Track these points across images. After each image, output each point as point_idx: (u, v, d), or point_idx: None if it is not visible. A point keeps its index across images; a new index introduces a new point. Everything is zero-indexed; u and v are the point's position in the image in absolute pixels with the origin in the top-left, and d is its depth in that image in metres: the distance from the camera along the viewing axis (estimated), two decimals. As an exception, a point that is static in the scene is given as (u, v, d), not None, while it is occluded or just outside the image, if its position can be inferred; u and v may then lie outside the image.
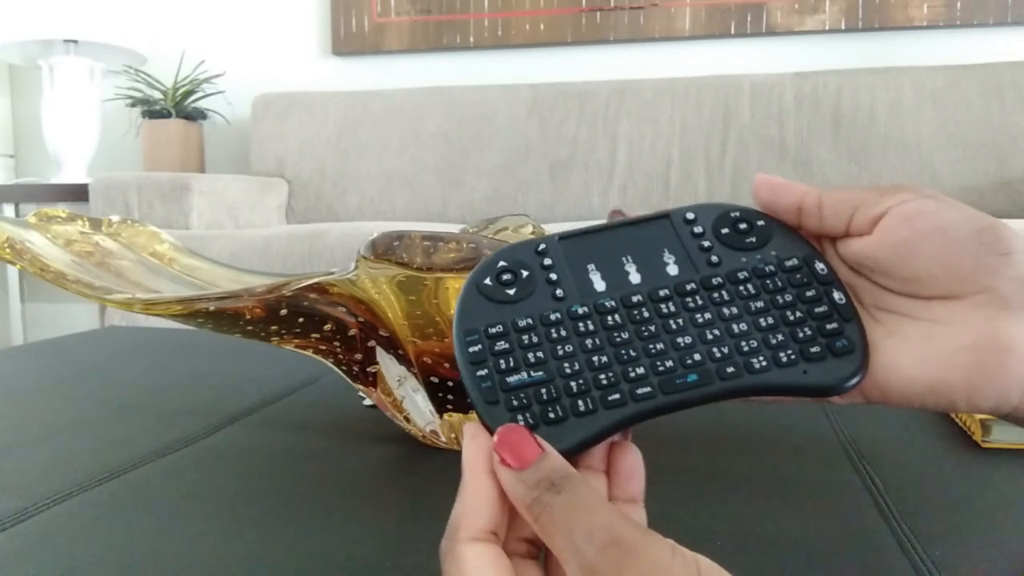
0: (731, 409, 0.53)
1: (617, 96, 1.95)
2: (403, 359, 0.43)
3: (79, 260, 0.48)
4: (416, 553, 0.33)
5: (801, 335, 0.25)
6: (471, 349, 0.25)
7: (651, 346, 0.25)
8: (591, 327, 0.25)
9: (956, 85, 1.79)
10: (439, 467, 0.44)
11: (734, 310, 0.26)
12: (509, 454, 0.22)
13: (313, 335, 0.45)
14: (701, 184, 1.88)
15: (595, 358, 0.24)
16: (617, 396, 0.24)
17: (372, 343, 0.45)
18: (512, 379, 0.24)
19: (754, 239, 0.27)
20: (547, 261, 0.27)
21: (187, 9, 2.30)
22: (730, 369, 0.24)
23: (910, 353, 0.24)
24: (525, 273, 0.27)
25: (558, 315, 0.25)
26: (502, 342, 0.25)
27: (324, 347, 0.46)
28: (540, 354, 0.25)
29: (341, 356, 0.47)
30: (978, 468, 0.43)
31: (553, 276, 0.27)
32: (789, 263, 0.27)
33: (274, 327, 0.44)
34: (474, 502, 0.22)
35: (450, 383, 0.43)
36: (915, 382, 0.24)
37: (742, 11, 1.98)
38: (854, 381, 0.24)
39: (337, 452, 0.46)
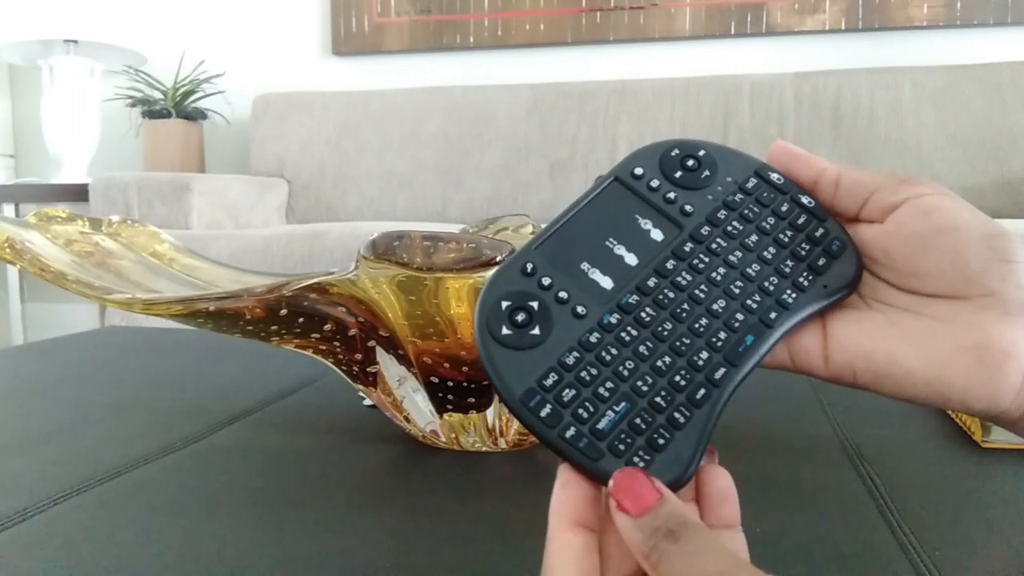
0: (730, 409, 0.53)
1: (617, 96, 1.95)
2: (403, 359, 0.43)
3: (79, 260, 0.48)
4: (416, 553, 0.33)
5: (802, 252, 0.26)
6: (543, 413, 0.22)
7: (696, 325, 0.24)
8: (633, 332, 0.24)
9: (956, 85, 1.79)
10: (439, 467, 0.44)
11: (739, 254, 0.26)
12: (628, 500, 0.21)
13: (313, 335, 0.45)
14: (701, 184, 1.88)
15: (659, 362, 0.23)
16: (703, 391, 0.23)
17: (372, 343, 0.45)
18: (602, 424, 0.22)
19: (707, 172, 0.27)
20: (544, 280, 0.25)
21: (187, 9, 2.30)
22: (772, 315, 0.25)
23: (912, 347, 0.24)
24: (534, 304, 0.24)
25: (596, 334, 0.24)
26: (566, 390, 0.23)
27: (324, 347, 0.46)
28: (610, 384, 0.23)
29: (341, 356, 0.47)
30: (978, 468, 0.43)
31: (562, 294, 0.25)
32: (749, 184, 0.27)
33: (274, 327, 0.44)
34: (561, 559, 0.21)
35: (450, 383, 0.43)
36: (914, 375, 0.24)
37: (742, 11, 1.98)
38: (859, 271, 0.26)
39: (337, 452, 0.46)
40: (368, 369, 0.47)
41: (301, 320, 0.43)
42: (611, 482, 0.21)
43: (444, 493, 0.40)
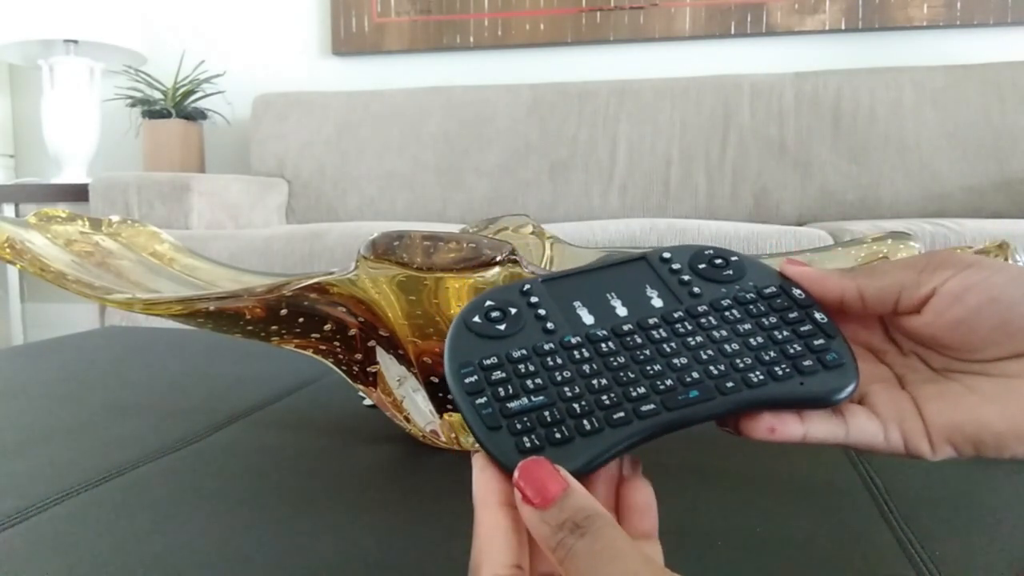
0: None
1: (617, 96, 1.95)
2: (403, 359, 0.43)
3: (79, 260, 0.48)
4: (416, 553, 0.33)
5: (792, 351, 0.26)
6: (467, 380, 0.25)
7: (648, 368, 0.25)
8: (586, 354, 0.25)
9: (956, 85, 1.79)
10: (439, 467, 0.44)
11: (724, 332, 0.26)
12: (532, 491, 0.21)
13: (313, 335, 0.45)
14: (701, 184, 1.88)
15: (594, 381, 0.25)
16: (622, 414, 0.24)
17: (372, 343, 0.45)
18: (513, 404, 0.24)
19: (731, 272, 0.29)
20: (533, 299, 0.27)
21: (187, 9, 2.30)
22: (729, 384, 0.25)
23: (994, 409, 0.25)
24: (513, 310, 0.27)
25: (551, 345, 0.26)
26: (498, 372, 0.25)
27: (324, 347, 0.46)
28: (539, 380, 0.25)
29: (341, 356, 0.47)
30: (978, 468, 0.43)
31: (541, 312, 0.27)
32: (767, 290, 0.28)
33: (274, 327, 0.44)
34: (491, 539, 0.21)
35: (450, 383, 0.43)
36: (1005, 436, 0.25)
37: (742, 11, 1.98)
38: (849, 390, 0.25)
39: (337, 452, 0.46)
40: (368, 369, 0.47)
41: (301, 320, 0.43)
42: (516, 472, 0.21)
43: (444, 493, 0.40)
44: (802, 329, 0.27)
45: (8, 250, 0.43)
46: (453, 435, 0.46)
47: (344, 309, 0.42)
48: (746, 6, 1.97)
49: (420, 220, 1.98)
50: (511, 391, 0.24)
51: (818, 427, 0.26)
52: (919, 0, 1.89)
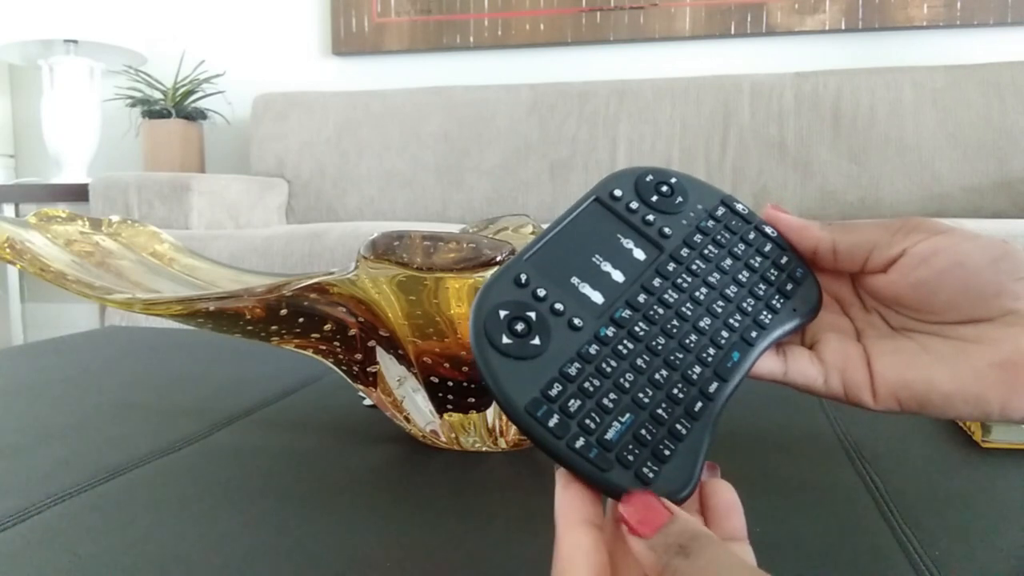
0: (731, 409, 0.52)
1: (617, 96, 1.95)
2: (403, 359, 0.43)
3: (79, 260, 0.48)
4: (416, 552, 0.33)
5: (772, 277, 0.28)
6: (551, 424, 0.22)
7: (686, 341, 0.25)
8: (629, 345, 0.25)
9: (956, 85, 1.79)
10: (439, 467, 0.44)
11: (717, 276, 0.27)
12: (638, 523, 0.21)
13: (313, 335, 0.45)
14: (701, 184, 1.88)
15: (656, 375, 0.24)
16: (699, 404, 0.24)
17: (372, 343, 0.45)
18: (610, 435, 0.23)
19: (680, 198, 0.29)
20: (539, 291, 0.25)
21: (187, 9, 2.30)
22: (753, 334, 0.26)
23: (945, 370, 0.25)
24: (532, 315, 0.24)
25: (594, 346, 0.24)
26: (572, 400, 0.23)
27: (324, 347, 0.46)
28: (612, 395, 0.23)
29: (341, 356, 0.47)
30: (978, 468, 0.43)
31: (558, 306, 0.25)
32: (719, 212, 0.29)
33: (274, 327, 0.44)
34: (572, 558, 0.21)
35: (450, 383, 0.43)
36: (952, 397, 0.25)
37: (742, 11, 1.98)
38: (819, 295, 0.28)
39: (337, 452, 0.46)
40: (368, 369, 0.47)
41: (301, 320, 0.43)
42: (621, 506, 0.22)
43: (444, 493, 0.40)
44: (765, 249, 0.28)
45: (8, 250, 0.43)
46: (453, 435, 0.46)
47: (344, 309, 0.42)
48: (746, 6, 1.97)
49: (420, 220, 1.98)
50: (597, 419, 0.23)
51: (759, 362, 0.27)
52: (919, 0, 1.89)
